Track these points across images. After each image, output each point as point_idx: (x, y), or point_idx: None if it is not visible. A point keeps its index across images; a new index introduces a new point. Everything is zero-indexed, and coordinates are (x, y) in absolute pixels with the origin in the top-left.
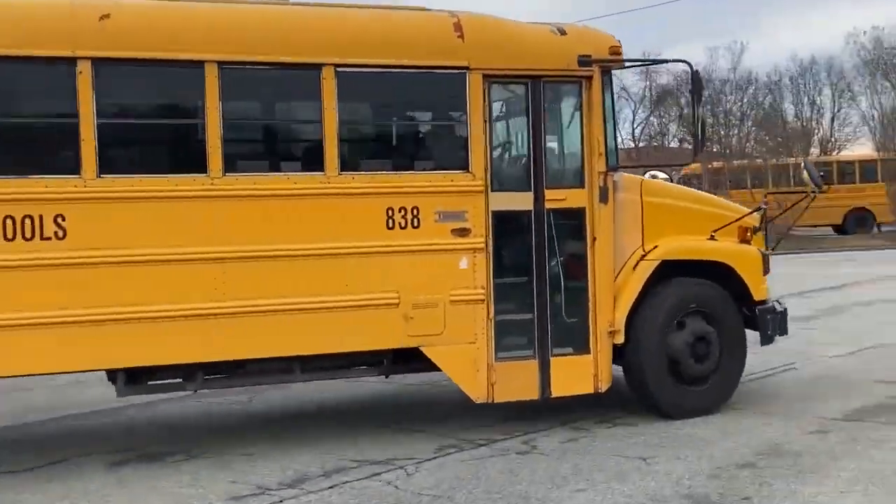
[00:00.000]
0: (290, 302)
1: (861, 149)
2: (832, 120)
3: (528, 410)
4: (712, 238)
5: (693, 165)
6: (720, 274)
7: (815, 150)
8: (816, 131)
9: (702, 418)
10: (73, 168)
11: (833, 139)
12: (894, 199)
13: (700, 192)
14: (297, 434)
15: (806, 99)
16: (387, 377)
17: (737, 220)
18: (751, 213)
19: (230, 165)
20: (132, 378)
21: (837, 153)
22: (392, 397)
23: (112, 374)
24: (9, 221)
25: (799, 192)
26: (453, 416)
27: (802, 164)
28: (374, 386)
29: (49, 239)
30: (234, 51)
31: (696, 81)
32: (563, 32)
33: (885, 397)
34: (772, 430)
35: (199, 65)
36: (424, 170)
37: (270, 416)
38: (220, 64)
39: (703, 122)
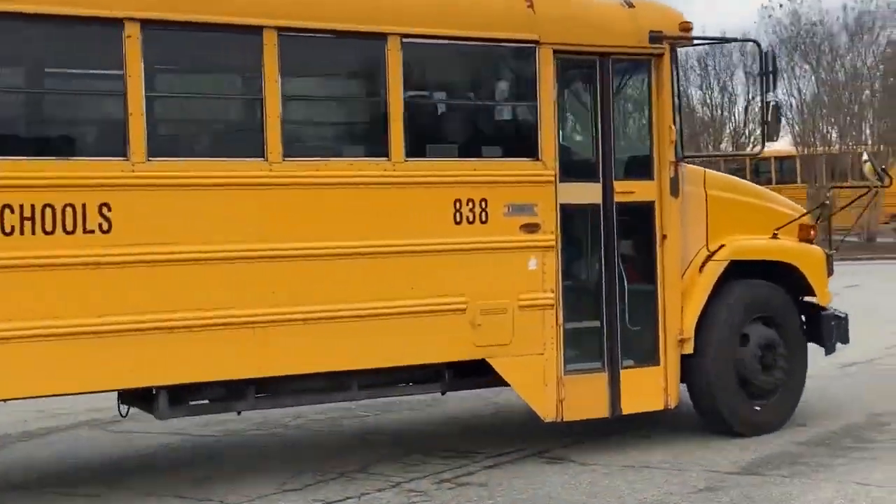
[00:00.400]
0: (354, 308)
1: (779, 143)
2: (746, 109)
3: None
4: (775, 236)
5: None
6: (780, 275)
7: (724, 145)
8: (728, 122)
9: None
10: (120, 150)
11: (747, 131)
12: (814, 202)
13: (759, 186)
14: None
15: (716, 84)
16: (443, 394)
17: (800, 217)
18: (815, 209)
19: (289, 149)
20: (173, 398)
21: (752, 148)
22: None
23: (126, 395)
24: (48, 211)
25: (862, 187)
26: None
27: (864, 157)
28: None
29: (92, 232)
30: (295, 15)
31: (768, 63)
32: (630, 6)
33: (791, 443)
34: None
35: (256, 31)
36: (492, 157)
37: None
38: (280, 30)
39: (775, 107)
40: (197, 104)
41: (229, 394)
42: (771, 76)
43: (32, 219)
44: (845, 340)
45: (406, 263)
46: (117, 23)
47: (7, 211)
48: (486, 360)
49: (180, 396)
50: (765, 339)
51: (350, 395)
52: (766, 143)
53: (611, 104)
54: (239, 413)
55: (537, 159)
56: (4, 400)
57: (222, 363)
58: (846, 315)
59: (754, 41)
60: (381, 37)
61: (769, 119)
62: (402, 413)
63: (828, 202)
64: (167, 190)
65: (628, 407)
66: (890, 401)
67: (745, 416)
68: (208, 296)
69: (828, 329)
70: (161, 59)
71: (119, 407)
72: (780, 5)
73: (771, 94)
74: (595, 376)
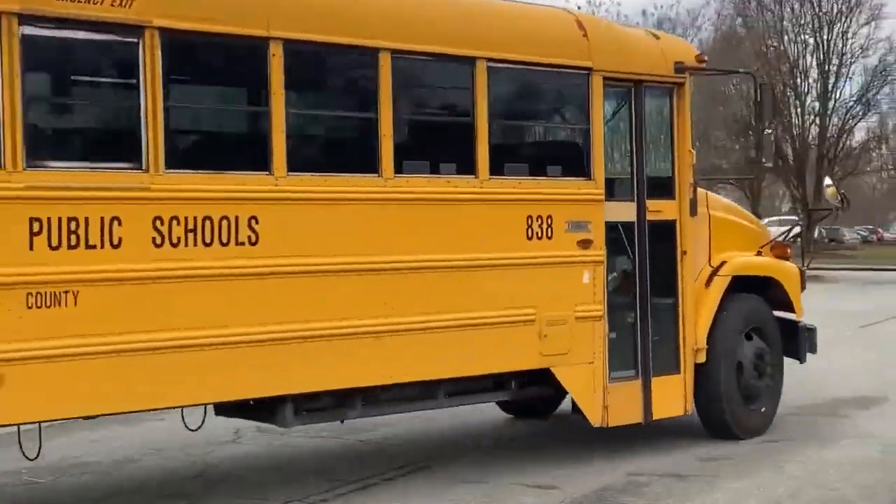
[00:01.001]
0: (450, 318)
1: None
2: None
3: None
4: (759, 254)
5: None
6: (761, 289)
7: None
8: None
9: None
10: (264, 164)
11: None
12: None
13: (738, 206)
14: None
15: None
16: (511, 401)
17: (780, 237)
18: (791, 229)
19: (398, 167)
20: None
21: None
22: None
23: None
24: (207, 223)
25: (825, 210)
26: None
27: (827, 181)
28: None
29: (243, 244)
30: (405, 38)
31: (762, 93)
32: (657, 37)
33: (626, 474)
34: None
35: (373, 53)
36: (555, 176)
37: None
38: (393, 53)
39: (766, 135)
40: (327, 121)
41: (338, 402)
42: (764, 106)
43: (195, 231)
44: (814, 351)
45: (490, 276)
46: (264, 42)
47: (174, 223)
48: (550, 368)
49: (297, 405)
50: (758, 349)
51: (438, 403)
52: (761, 167)
53: (643, 128)
54: (342, 422)
55: (590, 179)
56: (152, 409)
57: (347, 371)
58: (815, 327)
59: (751, 73)
60: (471, 60)
61: (763, 145)
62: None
63: (802, 224)
64: (305, 204)
65: (658, 413)
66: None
67: (744, 421)
68: (337, 306)
69: (802, 340)
70: (299, 79)
71: (183, 419)
72: (579, 7)
73: (767, 122)
74: (632, 384)
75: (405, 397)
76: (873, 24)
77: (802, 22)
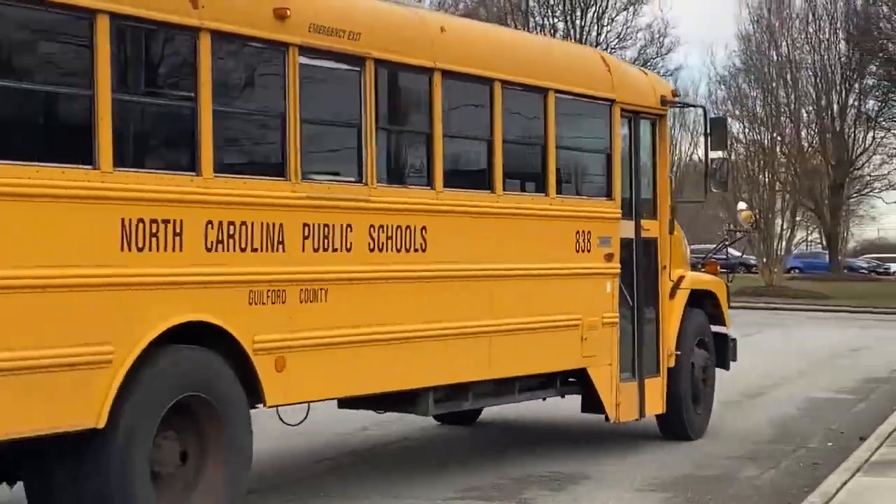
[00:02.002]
0: (533, 321)
1: None
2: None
3: None
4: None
5: None
6: (701, 303)
7: None
8: None
9: None
10: (428, 180)
11: None
12: None
13: None
14: None
15: None
16: (563, 397)
17: (712, 253)
18: (719, 247)
19: (504, 184)
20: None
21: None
22: None
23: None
24: (398, 231)
25: (742, 231)
26: None
27: (742, 205)
28: None
29: (417, 251)
30: (511, 71)
31: (711, 126)
32: (646, 73)
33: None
34: None
35: (490, 83)
36: (589, 196)
37: None
38: (504, 83)
39: (713, 164)
40: (462, 144)
41: (453, 394)
42: (715, 138)
43: (392, 238)
44: (735, 359)
45: (556, 284)
46: (428, 71)
47: (381, 230)
48: (587, 368)
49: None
50: (705, 358)
51: (514, 398)
52: (716, 193)
53: (639, 154)
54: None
55: (612, 199)
56: (337, 398)
57: (474, 366)
58: (735, 339)
59: (702, 106)
60: (545, 91)
61: (718, 171)
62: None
63: (727, 242)
64: (456, 216)
65: (648, 411)
66: None
67: (694, 422)
68: (472, 308)
69: (729, 351)
70: (447, 109)
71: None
72: None
73: (719, 152)
74: (631, 384)
75: (495, 392)
76: (632, 9)
77: (552, 2)
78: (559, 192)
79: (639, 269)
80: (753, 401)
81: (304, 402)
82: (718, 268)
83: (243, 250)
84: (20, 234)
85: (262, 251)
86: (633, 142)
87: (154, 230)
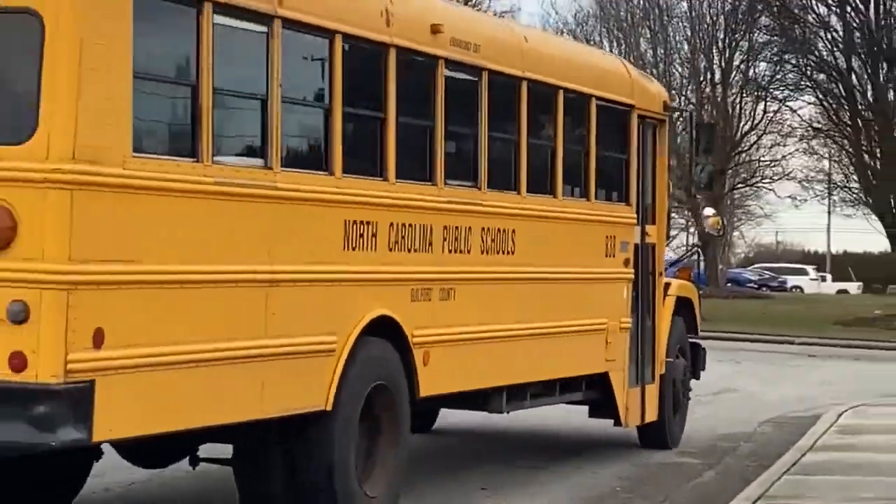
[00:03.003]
0: (578, 323)
1: None
2: None
3: None
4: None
5: None
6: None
7: None
8: None
9: None
10: (514, 185)
11: None
12: None
13: None
14: None
15: None
16: (586, 403)
17: (682, 260)
18: (691, 253)
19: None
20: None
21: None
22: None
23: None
24: (500, 234)
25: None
26: None
27: (709, 211)
28: None
29: (510, 253)
30: (570, 79)
31: (698, 130)
32: (651, 80)
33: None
34: None
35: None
36: (611, 201)
37: None
38: (565, 91)
39: (699, 166)
40: (538, 151)
41: (514, 394)
42: (700, 142)
43: (495, 240)
44: (704, 368)
45: (589, 288)
46: (518, 80)
47: (491, 233)
48: (608, 372)
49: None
50: (685, 366)
51: (553, 399)
52: (696, 193)
53: (646, 159)
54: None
55: (629, 204)
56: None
57: (536, 366)
58: (705, 349)
59: (690, 112)
60: (588, 98)
61: (701, 173)
62: None
63: (699, 247)
64: (535, 220)
65: (647, 417)
66: None
67: (674, 432)
68: (543, 308)
69: (700, 360)
70: (534, 117)
71: None
72: None
73: (703, 155)
74: (635, 390)
75: (539, 393)
76: None
77: None
78: (597, 196)
79: (643, 274)
80: (552, 469)
81: (438, 396)
82: (690, 274)
83: (409, 251)
84: (278, 231)
85: (419, 252)
86: (640, 147)
87: (361, 231)
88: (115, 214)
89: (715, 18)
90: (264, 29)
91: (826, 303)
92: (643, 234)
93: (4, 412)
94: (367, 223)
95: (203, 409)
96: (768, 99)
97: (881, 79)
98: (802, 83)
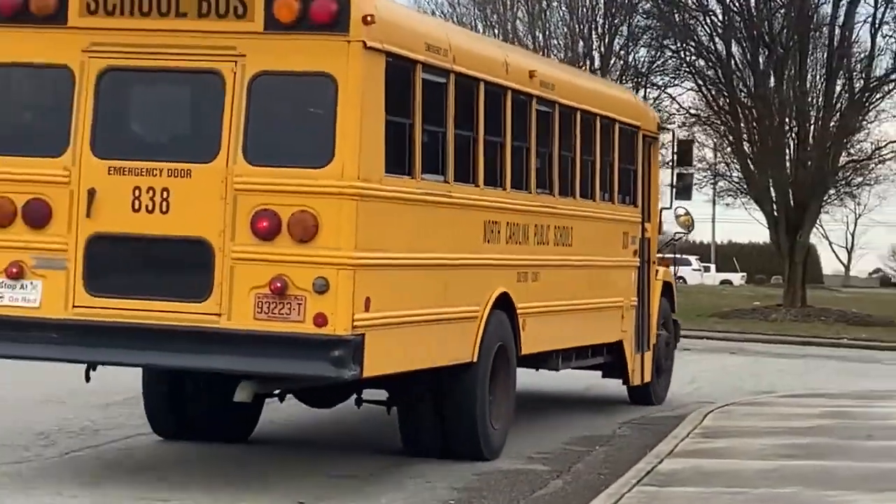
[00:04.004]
0: (604, 301)
1: None
2: None
3: None
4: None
5: None
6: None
7: None
8: None
9: None
10: (570, 191)
11: None
12: None
13: None
14: None
15: None
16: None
17: (665, 246)
18: (672, 241)
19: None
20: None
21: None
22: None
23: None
24: (562, 231)
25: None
26: None
27: (681, 210)
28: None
29: (569, 245)
30: (603, 107)
31: (680, 145)
32: (647, 105)
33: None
34: None
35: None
36: (625, 203)
37: None
38: (601, 118)
39: (679, 178)
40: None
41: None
42: (679, 155)
43: (563, 235)
44: (678, 340)
45: (614, 273)
46: (573, 109)
47: (556, 229)
48: (622, 341)
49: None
50: (666, 337)
51: (585, 363)
52: (677, 203)
53: (647, 168)
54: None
55: (637, 206)
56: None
57: (581, 333)
58: (679, 322)
59: (671, 130)
60: (613, 121)
61: (678, 183)
62: None
63: (678, 237)
64: (580, 219)
65: (645, 379)
66: None
67: (658, 391)
68: (587, 289)
69: (677, 331)
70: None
71: None
72: None
73: (683, 168)
74: (638, 356)
75: (579, 356)
76: None
77: None
78: (616, 200)
79: (644, 263)
80: (381, 478)
81: (536, 352)
82: (670, 263)
83: (517, 243)
84: (455, 228)
85: (521, 244)
86: (644, 159)
87: (492, 228)
88: (377, 217)
89: (594, 2)
90: (444, 80)
91: (707, 294)
92: (643, 229)
93: (311, 355)
94: (496, 222)
95: (424, 356)
96: (648, 86)
97: (761, 65)
98: (682, 69)
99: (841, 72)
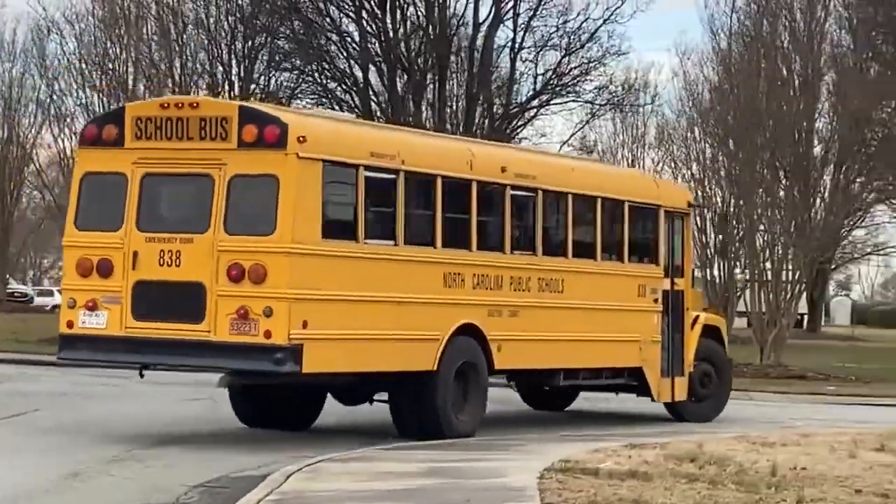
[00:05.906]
0: (615, 335)
1: None
2: None
3: None
4: (705, 310)
5: None
6: (713, 332)
7: None
8: None
9: None
10: (563, 251)
11: None
12: None
13: None
14: None
15: None
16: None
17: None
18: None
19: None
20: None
21: None
22: None
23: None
24: (556, 281)
25: None
26: None
27: None
28: None
29: (560, 292)
30: (614, 192)
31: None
32: (680, 187)
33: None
34: None
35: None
36: (644, 263)
37: None
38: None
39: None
40: (584, 230)
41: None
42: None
43: (549, 284)
44: (729, 375)
45: (626, 315)
46: (565, 195)
47: (539, 279)
48: (643, 367)
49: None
50: (706, 370)
51: (601, 383)
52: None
53: (674, 237)
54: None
55: (658, 265)
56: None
57: (573, 357)
58: (731, 359)
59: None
60: (621, 202)
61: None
62: None
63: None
64: (574, 273)
65: (677, 397)
66: None
67: (693, 409)
68: (584, 325)
69: (727, 366)
70: (580, 212)
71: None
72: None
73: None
74: (666, 380)
75: (588, 376)
76: None
77: None
78: (630, 260)
79: (673, 309)
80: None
81: (510, 369)
82: (718, 310)
83: (486, 288)
84: (404, 277)
85: (492, 289)
86: (671, 230)
87: (454, 278)
88: (313, 267)
89: (233, 26)
90: (393, 176)
91: None
92: (672, 283)
93: (262, 357)
94: (458, 273)
95: (378, 362)
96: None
97: (399, 90)
98: (324, 95)
99: (481, 97)
